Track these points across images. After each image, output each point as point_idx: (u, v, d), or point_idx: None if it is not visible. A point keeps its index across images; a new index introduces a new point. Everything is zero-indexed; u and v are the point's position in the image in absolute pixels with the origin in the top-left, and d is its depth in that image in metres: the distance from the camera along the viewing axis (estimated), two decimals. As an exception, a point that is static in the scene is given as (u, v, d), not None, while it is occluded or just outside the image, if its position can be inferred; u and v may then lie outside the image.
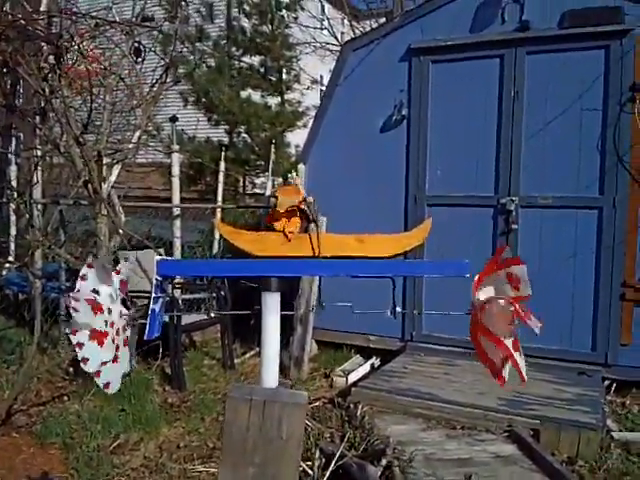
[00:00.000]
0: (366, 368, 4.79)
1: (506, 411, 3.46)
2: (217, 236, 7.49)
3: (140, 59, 3.99)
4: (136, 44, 3.93)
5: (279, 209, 1.34)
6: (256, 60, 9.35)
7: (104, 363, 1.10)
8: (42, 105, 3.44)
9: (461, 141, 4.72)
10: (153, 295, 1.24)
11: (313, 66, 9.73)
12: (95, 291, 1.11)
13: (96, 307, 1.09)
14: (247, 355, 5.33)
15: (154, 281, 1.25)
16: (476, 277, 1.19)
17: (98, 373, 1.10)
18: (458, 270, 1.22)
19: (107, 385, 1.11)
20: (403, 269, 1.31)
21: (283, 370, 4.85)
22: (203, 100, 9.27)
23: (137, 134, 4.31)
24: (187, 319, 5.17)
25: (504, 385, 1.19)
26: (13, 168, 6.43)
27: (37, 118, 4.06)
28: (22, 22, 3.30)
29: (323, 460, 3.00)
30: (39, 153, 4.88)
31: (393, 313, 1.28)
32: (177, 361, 4.51)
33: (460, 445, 3.19)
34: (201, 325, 5.33)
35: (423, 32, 4.77)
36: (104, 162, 4.15)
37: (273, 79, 9.35)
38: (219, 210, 7.66)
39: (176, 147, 6.05)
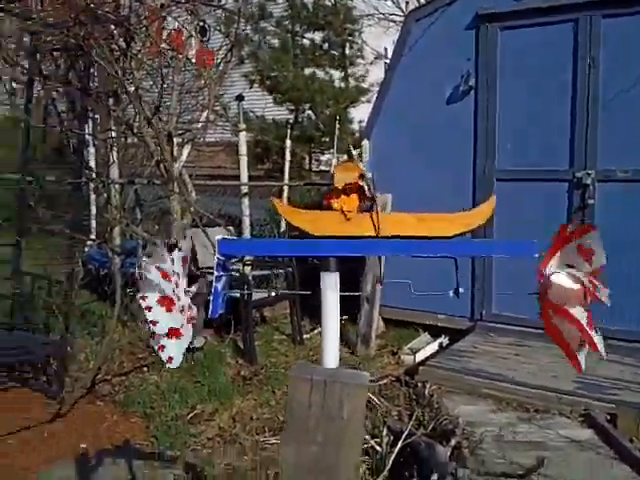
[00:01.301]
0: (434, 347, 4.75)
1: (582, 394, 3.35)
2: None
3: (205, 38, 4.03)
4: (201, 23, 3.98)
5: (336, 186, 1.32)
6: (319, 36, 9.28)
7: (170, 331, 1.13)
8: (115, 87, 3.55)
9: (533, 112, 4.53)
10: (215, 274, 1.26)
11: (377, 39, 9.53)
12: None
13: (165, 275, 1.12)
14: (315, 331, 5.39)
15: (215, 260, 1.28)
16: (544, 255, 1.14)
17: (162, 347, 1.15)
18: (526, 250, 1.18)
19: (170, 359, 1.15)
20: (467, 249, 1.28)
21: (350, 346, 4.90)
22: (268, 79, 9.33)
23: (205, 114, 4.38)
24: (257, 295, 5.30)
25: (581, 371, 1.15)
26: (91, 150, 6.72)
27: (111, 100, 4.22)
28: (92, 6, 3.40)
29: (391, 438, 3.02)
30: (114, 134, 5.08)
31: (457, 294, 1.26)
32: (249, 336, 4.63)
33: (532, 428, 3.13)
34: (271, 301, 5.45)
35: (490, -2, 4.58)
36: (175, 142, 4.27)
37: (336, 54, 9.25)
38: (286, 188, 7.75)
39: (243, 126, 6.12)
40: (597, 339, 1.11)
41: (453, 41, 4.78)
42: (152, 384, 4.12)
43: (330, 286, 1.28)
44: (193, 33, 4.06)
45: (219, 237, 1.29)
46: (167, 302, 1.12)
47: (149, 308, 1.10)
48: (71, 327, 4.26)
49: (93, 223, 6.99)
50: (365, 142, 5.25)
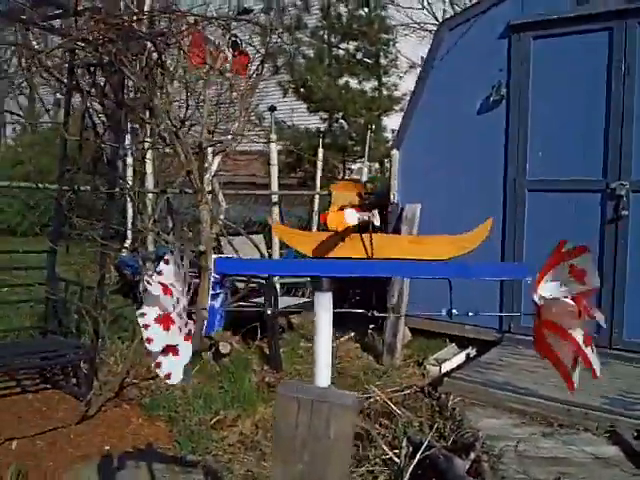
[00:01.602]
0: (461, 358, 4.70)
1: (609, 410, 3.26)
2: (315, 221, 7.65)
3: (237, 52, 4.12)
4: (233, 38, 4.06)
5: (333, 206, 1.33)
6: (353, 45, 9.33)
7: (167, 349, 1.16)
8: (146, 101, 3.66)
9: (565, 121, 4.45)
10: (211, 292, 1.29)
11: (412, 48, 9.52)
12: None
13: (166, 290, 1.15)
14: (342, 339, 5.41)
15: (212, 278, 1.30)
16: (537, 275, 1.13)
17: (159, 364, 1.17)
18: (517, 273, 1.17)
19: (168, 376, 1.17)
20: (455, 271, 1.26)
21: (376, 356, 4.89)
22: (302, 88, 9.42)
23: (235, 125, 4.46)
24: (285, 302, 5.35)
25: (574, 390, 1.14)
26: (129, 160, 6.91)
27: (147, 113, 4.34)
28: (127, 23, 3.52)
29: (410, 449, 3.00)
30: (147, 145, 5.21)
31: (449, 315, 1.25)
32: (274, 342, 4.67)
33: (556, 443, 3.06)
34: (299, 308, 5.48)
35: (523, 7, 4.54)
36: (207, 152, 4.36)
37: (370, 63, 9.28)
38: (317, 196, 7.81)
39: (274, 137, 6.20)
40: (593, 358, 1.10)
41: (485, 50, 4.75)
42: (178, 389, 4.18)
43: (323, 305, 1.30)
44: (225, 47, 4.14)
45: (215, 256, 1.32)
46: (164, 319, 1.15)
47: (146, 326, 1.13)
48: (102, 331, 4.39)
49: (129, 231, 7.19)
50: (394, 152, 5.25)
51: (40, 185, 4.28)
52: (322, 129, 8.96)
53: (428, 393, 3.87)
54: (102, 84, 3.98)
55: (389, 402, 3.62)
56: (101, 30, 3.12)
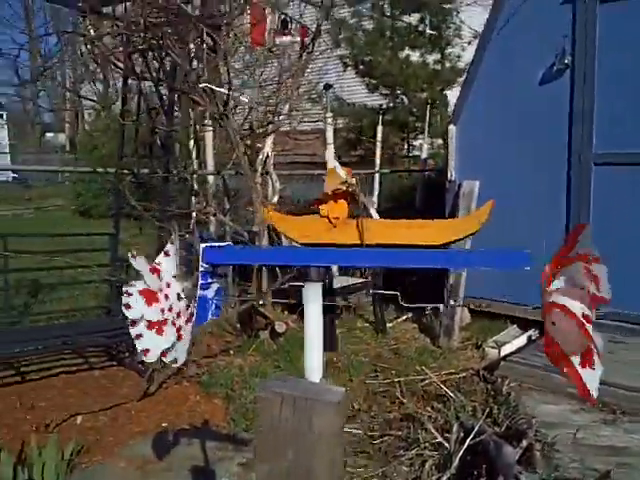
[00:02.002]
0: (522, 340, 4.53)
1: (678, 398, 3.07)
2: (375, 199, 7.56)
3: (287, 31, 4.07)
4: (282, 16, 4.02)
5: (325, 192, 1.28)
6: (415, 18, 9.04)
7: (147, 324, 1.14)
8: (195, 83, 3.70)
9: (635, 90, 4.14)
10: (200, 282, 1.27)
11: (477, 17, 9.11)
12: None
13: (151, 298, 1.14)
14: (399, 319, 5.35)
15: (200, 268, 1.28)
16: (546, 267, 1.04)
17: (165, 353, 1.17)
18: (514, 262, 1.07)
19: (146, 352, 1.16)
20: (445, 260, 1.18)
21: (433, 338, 4.81)
22: (362, 64, 9.26)
23: (287, 106, 4.44)
24: (341, 282, 5.34)
25: (588, 395, 1.04)
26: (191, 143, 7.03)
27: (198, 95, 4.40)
28: (177, 5, 3.55)
29: (461, 434, 2.93)
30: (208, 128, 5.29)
31: (446, 306, 1.18)
32: (330, 322, 4.68)
33: (617, 432, 2.90)
34: (354, 288, 5.46)
35: (590, -32, 4.23)
36: (258, 133, 4.38)
37: (433, 35, 8.98)
38: (377, 175, 7.71)
39: (329, 114, 6.13)
40: (590, 378, 1.00)
41: (547, 17, 4.47)
42: (236, 367, 4.28)
43: (311, 297, 1.25)
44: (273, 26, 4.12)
45: (203, 245, 1.30)
46: (156, 324, 1.14)
47: (138, 336, 1.12)
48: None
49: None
50: (451, 127, 5.08)
51: (100, 169, 4.44)
52: (383, 105, 8.79)
53: (483, 377, 3.77)
54: (156, 68, 4.06)
55: (442, 385, 3.55)
56: (149, 14, 3.15)
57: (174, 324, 1.17)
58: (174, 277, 1.18)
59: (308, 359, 1.24)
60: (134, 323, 1.12)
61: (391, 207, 7.34)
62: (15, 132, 29.99)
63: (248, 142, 4.22)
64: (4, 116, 24.91)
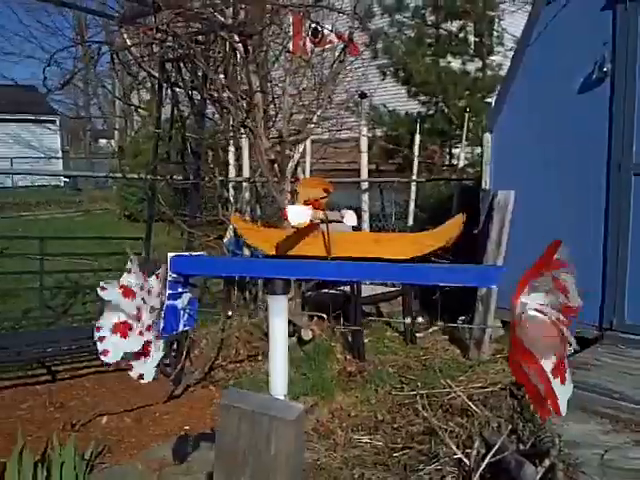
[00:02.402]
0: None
1: None
2: (412, 207, 7.48)
3: (317, 40, 4.09)
4: (314, 25, 4.04)
5: (297, 202, 1.25)
6: (456, 25, 8.93)
7: (137, 353, 1.16)
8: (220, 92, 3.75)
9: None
10: (169, 291, 1.27)
11: (518, 25, 8.95)
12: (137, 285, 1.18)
13: (127, 293, 1.15)
14: (430, 330, 5.27)
15: (168, 278, 1.27)
16: (519, 282, 1.00)
17: (130, 367, 1.18)
18: (482, 279, 1.02)
19: (140, 376, 1.18)
20: (411, 275, 1.13)
21: (463, 349, 4.71)
22: (403, 71, 9.20)
23: (318, 113, 4.45)
24: (371, 290, 5.30)
25: (545, 418, 0.99)
26: (231, 148, 7.12)
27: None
28: (210, 13, 3.61)
29: (482, 451, 2.86)
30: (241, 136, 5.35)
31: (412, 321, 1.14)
32: (357, 331, 4.64)
33: (647, 455, 2.77)
34: (384, 297, 5.41)
35: (631, -27, 4.09)
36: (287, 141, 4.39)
37: (474, 42, 8.86)
38: (413, 183, 7.62)
39: (364, 122, 6.12)
40: (560, 391, 0.95)
41: (587, 24, 4.33)
42: (263, 372, 4.29)
43: (276, 311, 1.22)
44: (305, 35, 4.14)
45: (171, 254, 1.29)
46: (121, 328, 1.15)
47: (101, 339, 1.14)
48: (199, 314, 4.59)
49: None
50: (487, 135, 4.99)
51: (135, 175, 4.54)
52: (421, 113, 8.71)
53: (511, 392, 3.66)
54: (189, 77, 4.13)
55: (466, 399, 3.47)
56: (179, 23, 3.22)
57: (141, 334, 1.18)
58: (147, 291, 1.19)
59: (272, 374, 1.22)
60: (99, 328, 1.14)
61: (427, 217, 7.24)
62: (68, 138, 31.15)
63: (278, 149, 4.23)
64: (57, 122, 25.84)
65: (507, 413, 3.40)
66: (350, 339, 4.80)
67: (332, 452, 3.25)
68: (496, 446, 2.73)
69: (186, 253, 1.36)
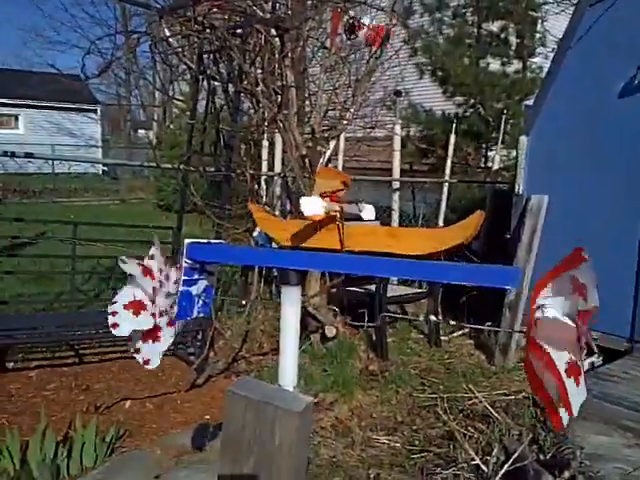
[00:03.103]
0: (584, 366, 4.28)
1: None
2: (443, 208, 7.40)
3: (354, 36, 4.07)
4: (350, 20, 4.03)
5: (313, 194, 1.24)
6: (497, 25, 8.79)
7: (146, 335, 1.17)
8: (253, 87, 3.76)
9: None
10: (184, 277, 1.28)
11: (562, 27, 8.75)
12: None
13: (146, 271, 1.16)
14: (455, 334, 5.21)
15: (183, 264, 1.28)
16: (537, 283, 0.97)
17: (138, 350, 1.19)
18: (501, 279, 0.99)
19: (147, 362, 1.19)
20: (428, 272, 1.10)
21: (489, 355, 4.64)
22: (442, 71, 9.10)
23: (352, 110, 4.44)
24: (397, 291, 5.26)
25: (559, 427, 0.97)
26: (265, 143, 7.16)
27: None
28: (248, 6, 3.63)
29: (501, 458, 2.81)
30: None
31: (427, 322, 1.12)
32: (380, 331, 4.63)
33: (673, 473, 2.68)
34: (410, 298, 5.36)
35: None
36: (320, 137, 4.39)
37: (515, 44, 8.70)
38: (445, 184, 7.54)
39: (398, 122, 6.08)
40: (574, 394, 0.93)
41: (631, 27, 4.22)
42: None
43: (289, 300, 1.22)
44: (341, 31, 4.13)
45: (187, 241, 1.30)
46: (135, 305, 1.16)
47: (114, 313, 1.15)
48: (226, 305, 4.66)
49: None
50: (522, 138, 4.90)
51: (168, 165, 4.60)
52: (458, 114, 8.61)
53: (534, 400, 3.59)
54: (226, 70, 4.17)
55: (488, 405, 3.42)
56: (215, 15, 3.25)
57: (154, 316, 1.19)
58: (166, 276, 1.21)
59: (282, 364, 1.22)
60: (114, 302, 1.15)
61: (457, 218, 7.14)
62: (109, 128, 31.79)
63: (310, 145, 4.23)
64: (98, 111, 26.37)
65: (529, 422, 3.34)
66: (374, 338, 4.78)
67: (349, 450, 3.25)
68: (515, 454, 2.69)
69: (204, 240, 1.37)
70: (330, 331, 4.48)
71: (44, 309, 4.79)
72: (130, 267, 1.17)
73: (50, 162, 16.92)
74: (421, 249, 1.16)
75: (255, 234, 5.44)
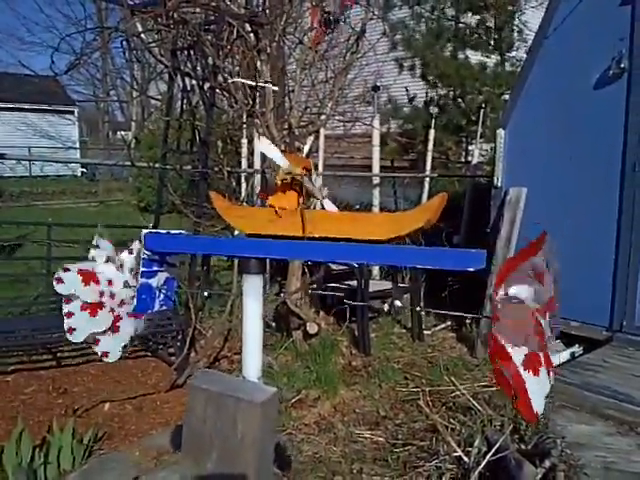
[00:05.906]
0: (565, 356, 4.31)
1: None
2: (424, 202, 7.41)
3: (329, 30, 4.05)
4: (325, 15, 4.00)
5: (275, 182, 1.22)
6: (475, 19, 8.83)
7: (97, 334, 1.13)
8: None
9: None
10: (142, 269, 1.24)
11: (539, 20, 8.81)
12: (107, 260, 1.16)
13: (88, 278, 1.12)
14: (438, 327, 5.22)
15: (142, 255, 1.25)
16: (499, 273, 0.95)
17: (97, 341, 1.16)
18: (465, 261, 0.97)
19: (105, 354, 1.15)
20: (389, 256, 1.09)
21: (470, 348, 4.65)
22: (422, 66, 9.12)
23: (329, 105, 4.41)
24: (379, 286, 5.26)
25: (531, 420, 0.95)
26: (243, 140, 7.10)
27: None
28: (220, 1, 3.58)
29: (483, 449, 2.81)
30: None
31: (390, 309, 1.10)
32: (363, 326, 4.61)
33: (654, 459, 2.71)
34: (391, 293, 5.35)
35: (651, -34, 3.99)
36: (296, 134, 4.36)
37: (493, 38, 8.74)
38: (426, 179, 7.55)
39: (377, 116, 6.06)
40: (533, 386, 0.91)
41: (605, 19, 4.24)
42: (265, 365, 4.28)
43: (250, 291, 1.19)
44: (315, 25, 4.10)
45: (145, 231, 1.27)
46: (91, 306, 1.12)
47: (70, 314, 1.12)
48: (199, 303, 4.60)
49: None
50: (500, 131, 4.91)
51: (144, 164, 4.54)
52: (436, 108, 8.62)
53: (516, 391, 3.60)
54: (200, 66, 4.12)
55: (470, 397, 3.42)
56: (185, 9, 3.20)
57: (112, 311, 1.15)
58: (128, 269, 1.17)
59: (245, 355, 1.19)
60: (69, 301, 1.12)
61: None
62: (87, 130, 31.39)
63: (287, 140, 4.20)
64: (75, 113, 26.04)
65: (511, 412, 3.34)
66: (356, 334, 4.77)
67: (332, 446, 3.23)
68: (497, 445, 2.69)
69: (163, 231, 1.33)
70: (312, 328, 4.45)
71: (20, 313, 4.69)
72: (67, 287, 1.13)
73: (26, 164, 16.67)
74: (381, 234, 1.14)
75: (236, 233, 5.39)
